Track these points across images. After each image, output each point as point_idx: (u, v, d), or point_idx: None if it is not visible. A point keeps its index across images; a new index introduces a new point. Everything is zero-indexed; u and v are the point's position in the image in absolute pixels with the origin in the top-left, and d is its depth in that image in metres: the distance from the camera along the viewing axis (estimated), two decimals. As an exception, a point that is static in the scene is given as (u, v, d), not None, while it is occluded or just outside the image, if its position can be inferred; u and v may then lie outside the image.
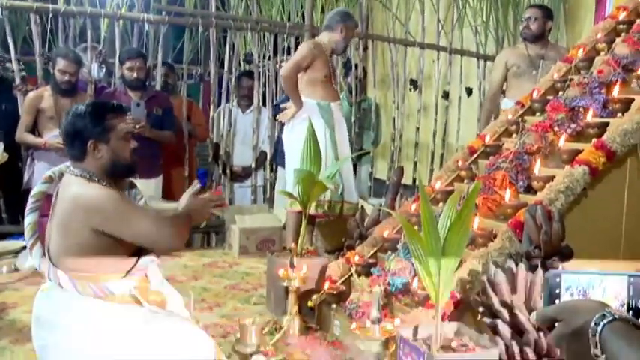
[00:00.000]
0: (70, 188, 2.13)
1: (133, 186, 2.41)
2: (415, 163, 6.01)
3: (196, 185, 2.35)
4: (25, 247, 3.78)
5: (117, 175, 2.19)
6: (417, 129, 6.00)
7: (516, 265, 2.22)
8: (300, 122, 4.09)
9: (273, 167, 5.42)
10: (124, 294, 2.14)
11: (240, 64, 5.65)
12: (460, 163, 3.28)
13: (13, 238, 4.06)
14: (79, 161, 2.17)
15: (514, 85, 4.32)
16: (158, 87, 4.85)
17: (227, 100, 5.34)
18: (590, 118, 2.87)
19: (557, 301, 0.98)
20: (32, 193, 2.23)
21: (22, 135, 4.17)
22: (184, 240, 2.24)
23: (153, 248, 2.18)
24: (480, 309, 2.21)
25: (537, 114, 3.29)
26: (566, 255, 2.26)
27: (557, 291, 0.98)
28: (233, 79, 5.33)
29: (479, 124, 6.01)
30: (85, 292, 2.08)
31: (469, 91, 6.08)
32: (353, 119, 5.66)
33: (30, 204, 2.20)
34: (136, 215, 2.12)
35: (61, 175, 2.24)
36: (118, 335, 2.10)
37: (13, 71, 4.53)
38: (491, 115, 4.41)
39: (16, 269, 3.70)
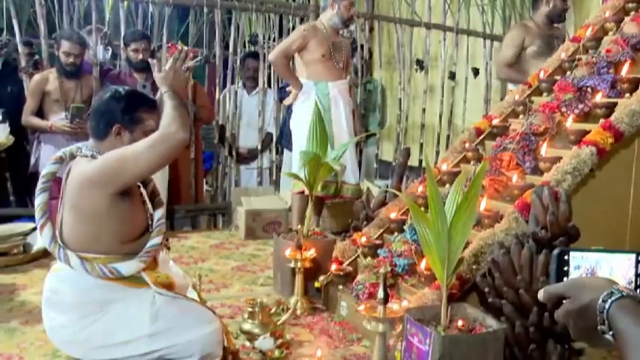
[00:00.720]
0: (78, 169, 2.14)
1: None
2: (421, 145, 5.99)
3: (154, 62, 2.32)
4: (34, 229, 3.82)
5: None
6: (423, 110, 5.98)
7: (522, 246, 2.22)
8: (300, 103, 4.13)
9: (279, 149, 5.42)
10: (132, 276, 2.16)
11: (245, 46, 5.62)
12: (467, 145, 3.27)
13: (22, 220, 4.08)
14: (98, 139, 2.18)
15: (532, 65, 4.18)
16: (163, 69, 4.82)
17: (232, 82, 5.33)
18: (598, 98, 2.85)
19: (564, 279, 0.98)
20: (42, 173, 2.24)
21: (28, 118, 4.17)
22: (187, 127, 2.11)
23: (171, 157, 2.11)
24: (486, 289, 2.22)
25: (545, 94, 3.26)
26: (573, 236, 2.26)
27: (565, 269, 0.99)
28: (238, 61, 5.31)
29: (485, 105, 5.99)
30: (94, 272, 2.10)
31: (475, 72, 6.04)
32: (358, 100, 5.64)
33: (40, 184, 2.21)
34: (130, 149, 2.09)
35: (72, 156, 2.25)
36: (126, 317, 2.13)
37: (17, 51, 4.52)
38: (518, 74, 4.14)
39: (26, 251, 3.73)
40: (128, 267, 2.13)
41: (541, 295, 0.98)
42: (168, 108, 2.12)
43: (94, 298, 2.12)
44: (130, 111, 2.17)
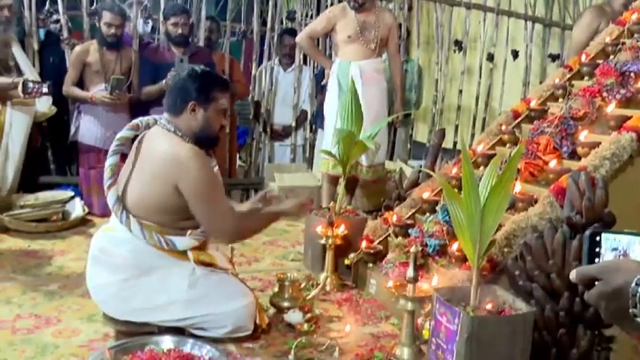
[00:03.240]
0: (161, 142, 2.23)
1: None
2: (457, 127, 5.93)
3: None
4: (72, 197, 3.93)
5: (200, 142, 2.29)
6: (460, 92, 5.91)
7: (556, 230, 2.20)
8: (330, 82, 4.14)
9: (313, 127, 5.42)
10: (182, 250, 2.24)
11: (282, 22, 5.61)
12: (503, 127, 3.23)
13: (61, 188, 4.19)
14: (173, 115, 2.28)
15: None
16: (201, 43, 4.87)
17: (269, 59, 5.34)
18: (641, 83, 2.78)
19: (596, 261, 0.98)
20: (117, 136, 2.37)
21: (69, 88, 4.26)
22: (244, 238, 2.53)
23: (206, 231, 2.30)
24: (517, 272, 2.21)
25: (586, 78, 3.20)
26: (609, 222, 2.22)
27: (597, 250, 0.98)
28: (275, 37, 5.32)
29: (524, 89, 5.89)
30: (151, 240, 2.19)
31: (515, 54, 5.94)
32: (394, 80, 5.59)
33: (113, 147, 2.35)
34: (218, 194, 2.25)
35: (148, 125, 2.34)
36: (167, 282, 2.20)
37: (57, 21, 4.60)
38: None
39: (64, 218, 3.83)
40: (183, 242, 2.24)
41: (573, 275, 0.97)
42: (264, 220, 2.45)
43: (141, 263, 2.21)
44: (205, 90, 2.27)
